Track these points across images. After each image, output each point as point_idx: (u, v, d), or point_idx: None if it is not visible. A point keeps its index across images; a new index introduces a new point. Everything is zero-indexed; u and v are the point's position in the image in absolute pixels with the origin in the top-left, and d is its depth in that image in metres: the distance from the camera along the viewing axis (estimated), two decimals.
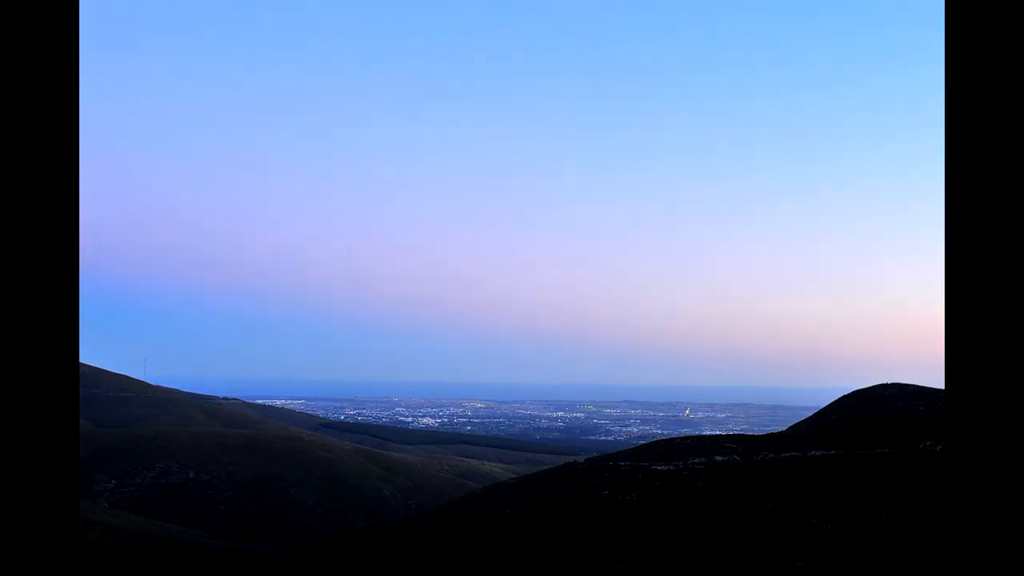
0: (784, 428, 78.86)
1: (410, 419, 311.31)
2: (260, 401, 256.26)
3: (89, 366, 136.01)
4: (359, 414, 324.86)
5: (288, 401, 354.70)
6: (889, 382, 72.29)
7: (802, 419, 78.53)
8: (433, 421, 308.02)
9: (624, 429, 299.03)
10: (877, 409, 63.78)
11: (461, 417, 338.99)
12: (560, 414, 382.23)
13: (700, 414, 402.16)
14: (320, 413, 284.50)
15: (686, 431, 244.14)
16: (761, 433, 68.61)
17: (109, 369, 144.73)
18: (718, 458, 51.80)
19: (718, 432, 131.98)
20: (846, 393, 75.81)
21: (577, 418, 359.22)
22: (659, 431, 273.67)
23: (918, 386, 68.61)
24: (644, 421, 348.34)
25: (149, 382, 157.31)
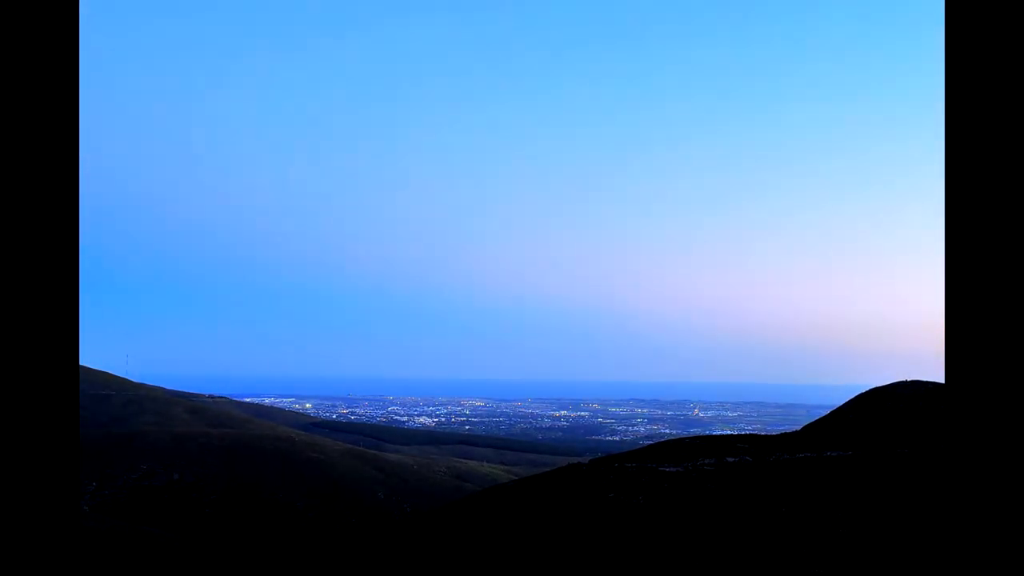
0: (798, 428, 79.17)
1: (406, 418, 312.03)
2: (248, 399, 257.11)
3: None
4: (352, 413, 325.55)
5: (277, 399, 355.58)
6: (908, 379, 72.52)
7: (817, 418, 78.79)
8: (430, 420, 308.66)
9: (630, 429, 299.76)
10: (896, 408, 64.00)
11: (459, 416, 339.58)
12: (563, 413, 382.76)
13: (710, 413, 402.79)
14: (311, 412, 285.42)
15: (695, 431, 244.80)
16: (774, 433, 68.88)
17: (89, 365, 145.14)
18: (729, 459, 51.98)
19: (729, 432, 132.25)
20: (863, 391, 76.07)
21: (581, 417, 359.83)
22: (667, 431, 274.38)
23: (938, 383, 68.84)
24: (651, 420, 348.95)
25: (131, 379, 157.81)
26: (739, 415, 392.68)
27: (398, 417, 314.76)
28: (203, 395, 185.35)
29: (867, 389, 76.81)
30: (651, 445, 71.17)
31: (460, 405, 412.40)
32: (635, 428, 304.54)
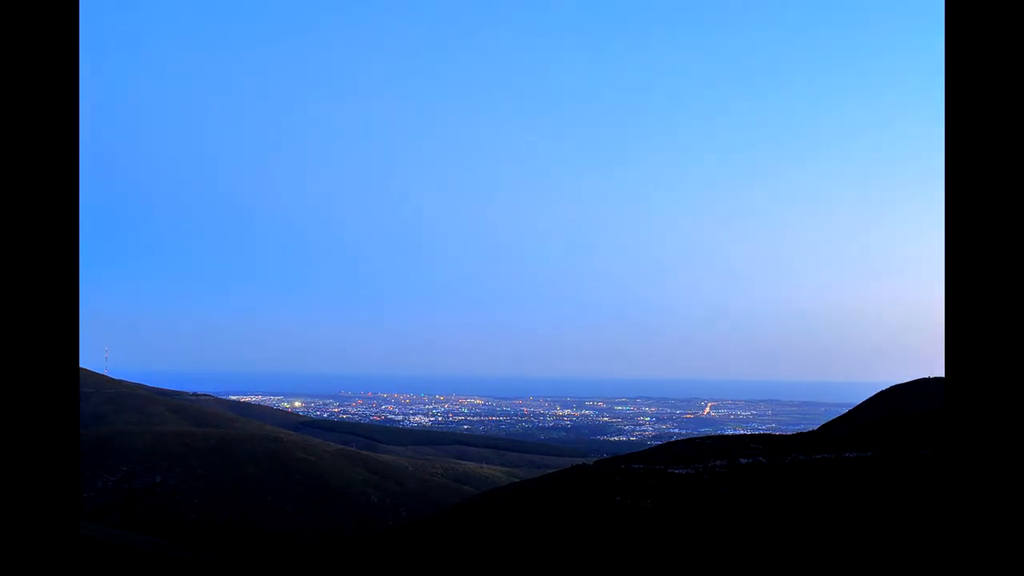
0: (815, 427, 79.58)
1: (400, 417, 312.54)
2: (233, 397, 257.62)
3: None
4: (344, 411, 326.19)
5: (265, 397, 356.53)
6: (931, 376, 72.84)
7: (835, 417, 79.23)
8: (426, 419, 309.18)
9: (637, 428, 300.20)
10: (917, 406, 64.19)
11: (457, 415, 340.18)
12: (567, 412, 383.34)
13: (722, 411, 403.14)
14: (300, 410, 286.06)
15: (706, 430, 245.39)
16: (789, 432, 69.17)
17: None
18: (742, 460, 52.22)
19: (742, 431, 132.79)
20: (883, 389, 76.47)
21: (585, 416, 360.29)
22: (676, 430, 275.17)
23: None
24: (659, 419, 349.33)
25: (110, 376, 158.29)
26: (752, 414, 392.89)
27: (392, 416, 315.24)
28: (186, 393, 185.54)
29: (888, 386, 77.25)
30: (659, 446, 71.52)
31: (458, 403, 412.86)
32: (642, 428, 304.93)
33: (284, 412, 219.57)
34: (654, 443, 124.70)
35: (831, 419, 79.91)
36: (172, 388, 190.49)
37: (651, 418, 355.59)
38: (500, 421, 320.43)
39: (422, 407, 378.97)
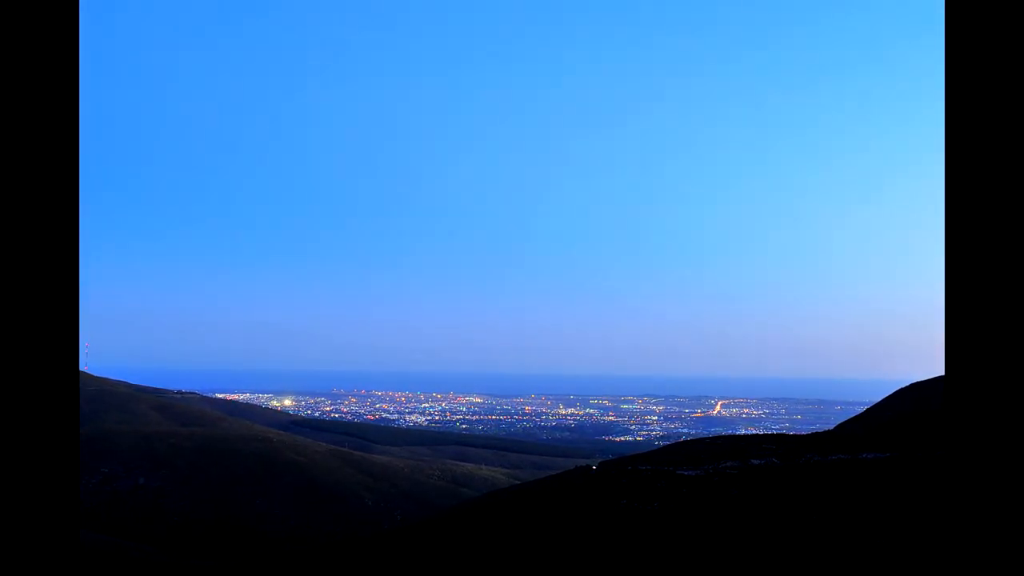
0: (830, 427, 79.85)
1: (396, 416, 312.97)
2: (220, 395, 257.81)
3: None
4: (336, 410, 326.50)
5: (253, 395, 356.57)
6: None
7: (851, 416, 79.45)
8: (423, 419, 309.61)
9: (644, 428, 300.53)
10: (938, 405, 64.32)
11: (455, 414, 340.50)
12: (570, 411, 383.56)
13: (733, 410, 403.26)
14: (291, 409, 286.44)
15: (716, 430, 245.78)
16: (804, 432, 69.38)
17: None
18: (754, 461, 52.40)
19: (754, 431, 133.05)
20: (902, 386, 76.67)
21: (590, 415, 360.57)
22: (685, 430, 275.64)
23: None
24: (667, 418, 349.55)
25: (91, 373, 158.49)
26: (765, 413, 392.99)
27: (387, 415, 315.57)
28: (171, 391, 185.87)
29: (908, 383, 77.47)
30: (668, 446, 71.75)
31: (456, 402, 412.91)
32: (650, 427, 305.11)
33: (274, 411, 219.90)
34: (662, 443, 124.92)
35: (847, 418, 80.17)
36: (156, 385, 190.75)
37: (659, 417, 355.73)
38: (500, 420, 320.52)
39: (418, 406, 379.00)
